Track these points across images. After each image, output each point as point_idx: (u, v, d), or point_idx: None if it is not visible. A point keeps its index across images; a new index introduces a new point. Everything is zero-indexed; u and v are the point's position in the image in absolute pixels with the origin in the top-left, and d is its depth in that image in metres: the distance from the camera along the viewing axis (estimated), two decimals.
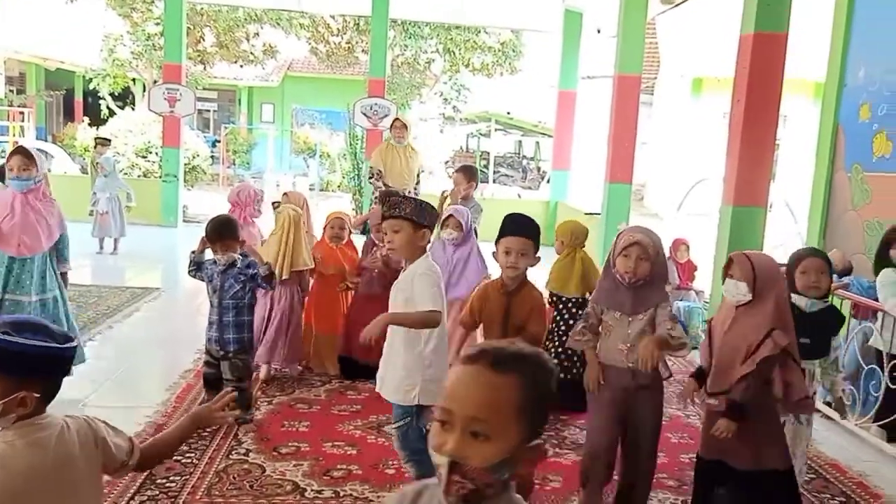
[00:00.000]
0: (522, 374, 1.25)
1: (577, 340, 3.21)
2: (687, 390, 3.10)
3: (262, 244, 5.04)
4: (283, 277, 4.75)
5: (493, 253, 3.28)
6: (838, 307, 4.03)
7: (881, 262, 4.22)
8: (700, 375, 3.09)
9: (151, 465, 2.23)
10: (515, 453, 1.22)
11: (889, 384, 4.21)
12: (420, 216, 3.00)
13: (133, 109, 18.80)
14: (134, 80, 21.67)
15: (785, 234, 11.39)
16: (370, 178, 7.42)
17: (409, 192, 7.08)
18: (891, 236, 4.22)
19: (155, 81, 16.62)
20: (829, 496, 3.66)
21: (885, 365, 4.27)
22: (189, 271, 4.14)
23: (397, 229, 3.00)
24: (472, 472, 1.19)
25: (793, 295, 3.43)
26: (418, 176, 7.26)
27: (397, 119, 7.41)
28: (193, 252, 4.11)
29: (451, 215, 4.79)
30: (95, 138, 11.18)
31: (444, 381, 2.91)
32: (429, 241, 3.11)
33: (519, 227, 3.16)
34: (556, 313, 4.65)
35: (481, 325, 3.34)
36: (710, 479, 3.06)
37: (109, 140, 11.12)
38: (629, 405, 3.08)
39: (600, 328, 3.16)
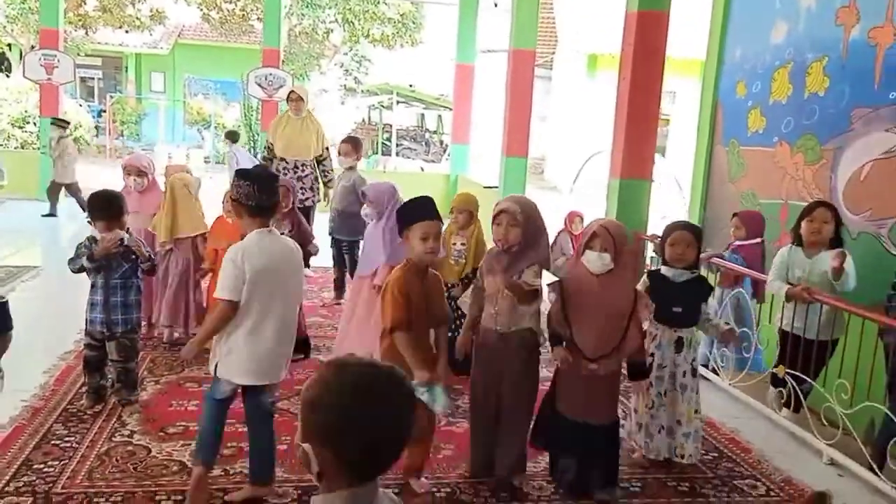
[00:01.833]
0: None
1: (466, 303, 3.42)
2: (562, 357, 3.18)
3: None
4: (163, 240, 4.95)
5: (401, 240, 3.19)
6: (706, 277, 4.22)
7: (795, 234, 4.27)
8: (559, 341, 3.21)
9: None
10: None
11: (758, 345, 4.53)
12: (243, 197, 2.95)
13: (8, 76, 17.60)
14: (10, 45, 20.26)
15: (672, 205, 11.92)
16: (265, 150, 7.24)
17: (307, 165, 6.94)
18: (806, 212, 4.23)
19: (32, 47, 15.55)
20: (703, 451, 3.88)
21: (754, 327, 4.59)
22: (76, 269, 3.82)
23: (235, 211, 3.05)
24: None
25: (662, 267, 3.64)
26: (327, 150, 7.11)
27: (293, 91, 7.22)
28: (88, 248, 3.77)
29: (363, 192, 4.72)
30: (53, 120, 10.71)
31: (244, 360, 2.86)
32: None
33: (434, 211, 3.10)
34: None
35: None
36: (574, 437, 3.23)
37: (67, 122, 10.63)
38: (502, 367, 3.22)
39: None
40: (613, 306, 3.12)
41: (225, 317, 2.89)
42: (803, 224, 4.19)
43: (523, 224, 3.13)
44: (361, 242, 5.25)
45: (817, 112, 4.87)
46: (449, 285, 4.53)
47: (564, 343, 3.20)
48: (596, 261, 3.12)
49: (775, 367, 4.33)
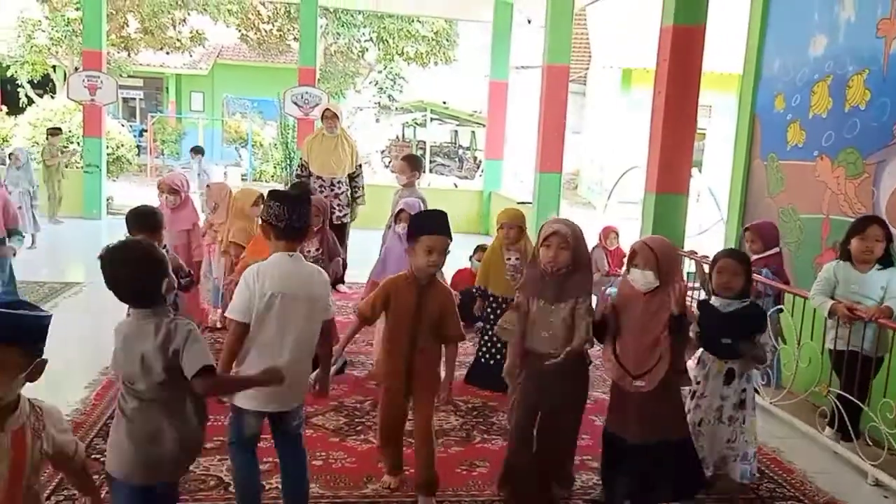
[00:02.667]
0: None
1: (504, 329, 3.32)
2: (619, 377, 3.16)
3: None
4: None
5: (406, 249, 3.21)
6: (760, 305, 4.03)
7: (843, 251, 4.13)
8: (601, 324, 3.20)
9: None
10: None
11: (800, 360, 4.43)
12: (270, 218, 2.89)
13: (53, 97, 18.10)
14: (54, 67, 20.84)
15: (710, 222, 11.78)
16: (298, 168, 7.34)
17: (343, 182, 7.02)
18: (858, 228, 4.07)
19: (76, 69, 16.00)
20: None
21: (796, 344, 4.49)
22: None
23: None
24: None
25: (712, 297, 3.53)
26: (360, 167, 7.22)
27: (327, 109, 7.33)
28: None
29: (402, 209, 4.75)
30: (48, 129, 11.29)
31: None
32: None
33: (442, 226, 3.14)
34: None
35: (383, 318, 3.30)
36: (631, 457, 3.15)
37: (60, 129, 11.22)
38: (549, 390, 3.18)
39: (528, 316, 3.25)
40: (657, 323, 3.04)
41: (235, 337, 2.78)
42: (854, 241, 4.04)
43: (573, 247, 3.12)
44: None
45: (858, 125, 4.77)
46: (508, 299, 4.49)
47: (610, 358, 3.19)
48: (640, 279, 3.07)
49: (816, 386, 4.23)
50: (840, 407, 4.00)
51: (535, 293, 3.21)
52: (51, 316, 1.90)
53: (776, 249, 4.86)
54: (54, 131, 11.08)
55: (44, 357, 1.89)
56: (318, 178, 6.97)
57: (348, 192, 7.08)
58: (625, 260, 8.54)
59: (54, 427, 1.97)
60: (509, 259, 4.71)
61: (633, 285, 3.13)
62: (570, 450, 3.36)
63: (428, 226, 3.12)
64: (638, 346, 3.09)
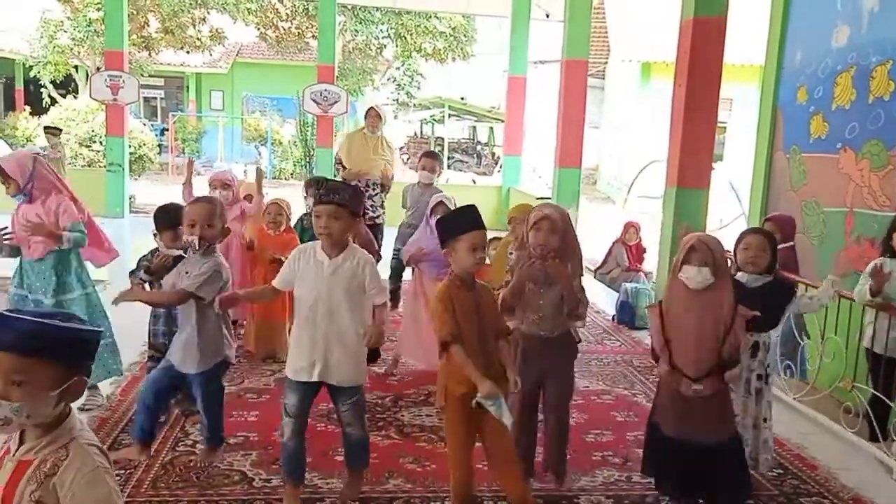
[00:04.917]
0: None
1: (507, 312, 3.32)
2: (677, 380, 3.01)
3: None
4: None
5: (445, 252, 2.98)
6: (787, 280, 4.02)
7: (886, 246, 4.05)
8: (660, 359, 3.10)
9: None
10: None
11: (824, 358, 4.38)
12: (356, 205, 3.07)
13: (76, 97, 18.31)
14: (76, 67, 21.07)
15: (731, 216, 11.68)
16: (337, 164, 7.28)
17: (377, 184, 6.90)
18: None
19: (98, 68, 16.17)
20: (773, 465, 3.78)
21: (819, 339, 4.44)
22: (138, 282, 3.95)
23: (338, 216, 2.97)
24: None
25: (737, 273, 3.55)
26: (385, 186, 7.10)
27: (372, 108, 7.12)
28: (149, 260, 3.91)
29: (441, 202, 4.77)
30: (45, 127, 11.16)
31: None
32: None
33: (479, 221, 2.96)
34: None
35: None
36: (678, 456, 3.10)
37: (60, 129, 11.07)
38: (543, 373, 3.30)
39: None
40: (713, 323, 2.97)
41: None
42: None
43: (562, 232, 3.20)
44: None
45: (883, 117, 4.71)
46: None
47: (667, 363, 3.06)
48: (696, 276, 2.96)
49: (840, 381, 4.19)
50: (870, 409, 3.97)
51: (526, 276, 3.29)
52: (94, 331, 1.70)
53: (791, 244, 4.83)
54: (53, 131, 11.08)
55: (82, 377, 1.65)
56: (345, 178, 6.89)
57: (382, 194, 6.94)
58: (645, 255, 8.51)
59: (72, 479, 1.59)
60: (511, 254, 4.71)
61: (686, 284, 2.99)
62: (565, 432, 3.45)
63: (466, 224, 2.93)
64: (697, 350, 2.98)
